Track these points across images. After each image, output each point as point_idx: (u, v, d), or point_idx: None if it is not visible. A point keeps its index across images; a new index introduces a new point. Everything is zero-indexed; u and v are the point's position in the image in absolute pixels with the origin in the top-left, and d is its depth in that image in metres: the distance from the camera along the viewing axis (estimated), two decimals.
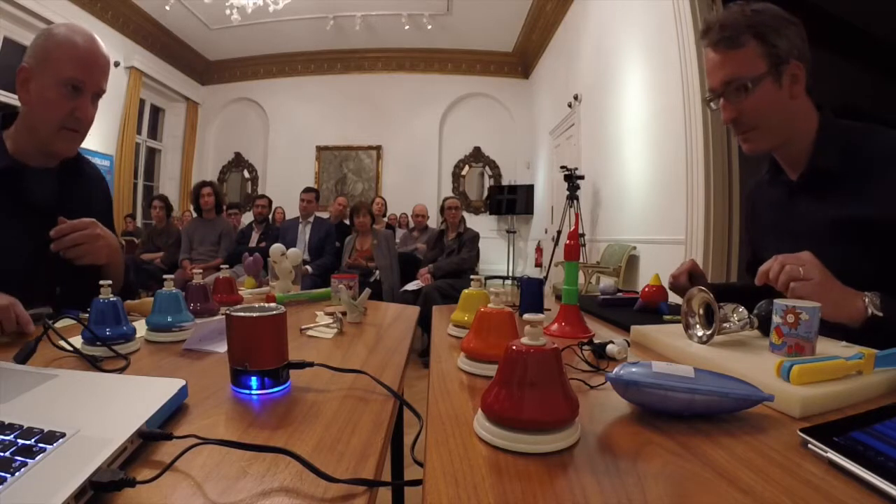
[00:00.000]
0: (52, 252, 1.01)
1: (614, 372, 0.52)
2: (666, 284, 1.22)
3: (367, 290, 1.11)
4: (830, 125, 0.94)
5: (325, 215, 4.62)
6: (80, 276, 1.07)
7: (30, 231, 1.02)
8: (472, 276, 1.00)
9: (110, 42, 5.98)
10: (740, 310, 0.82)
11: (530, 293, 1.07)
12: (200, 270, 1.14)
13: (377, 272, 3.72)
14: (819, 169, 0.93)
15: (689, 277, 1.10)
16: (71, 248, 0.98)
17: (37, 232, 1.02)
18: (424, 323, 2.06)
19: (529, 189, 7.12)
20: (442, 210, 3.85)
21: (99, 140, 5.98)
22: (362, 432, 0.48)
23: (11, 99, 4.67)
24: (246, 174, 8.29)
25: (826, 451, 0.41)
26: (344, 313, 1.06)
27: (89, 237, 1.00)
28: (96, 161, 5.88)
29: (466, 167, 7.99)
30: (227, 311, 0.58)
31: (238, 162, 8.29)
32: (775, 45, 0.88)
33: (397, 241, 4.73)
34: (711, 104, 0.98)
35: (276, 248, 1.54)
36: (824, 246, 0.88)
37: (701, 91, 2.76)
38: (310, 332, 0.94)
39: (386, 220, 5.84)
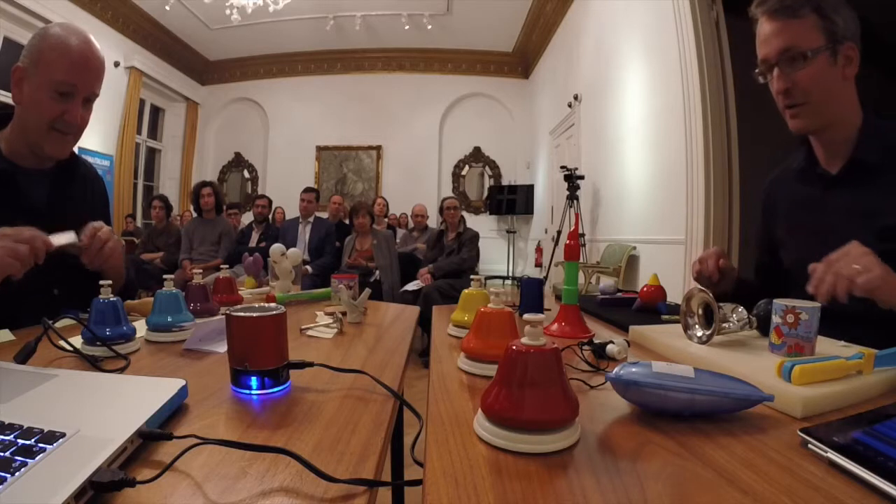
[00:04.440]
0: (48, 255, 1.01)
1: (614, 372, 0.52)
2: (665, 285, 1.22)
3: (367, 290, 1.11)
4: (874, 121, 0.93)
5: (324, 215, 4.62)
6: (76, 279, 1.07)
7: None
8: (472, 276, 1.00)
9: (110, 42, 6.01)
10: (739, 310, 0.82)
11: (530, 293, 1.07)
12: (200, 270, 1.14)
13: (377, 272, 3.72)
14: (861, 163, 0.91)
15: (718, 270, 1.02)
16: (100, 254, 0.98)
17: None
18: (424, 323, 2.06)
19: (529, 189, 7.12)
20: (441, 210, 3.84)
21: (99, 140, 5.98)
22: (362, 432, 0.48)
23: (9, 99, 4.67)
24: (246, 174, 8.29)
25: (826, 451, 0.41)
26: (344, 313, 1.06)
27: (109, 235, 1.00)
28: (96, 161, 5.91)
29: (466, 167, 7.99)
30: (227, 311, 0.58)
31: (238, 162, 8.28)
32: (834, 22, 0.87)
33: (397, 241, 4.73)
34: (760, 77, 0.95)
35: (276, 248, 1.54)
36: (860, 240, 0.84)
37: (701, 90, 2.76)
38: (310, 332, 0.94)
39: (387, 220, 5.82)
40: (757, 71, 0.96)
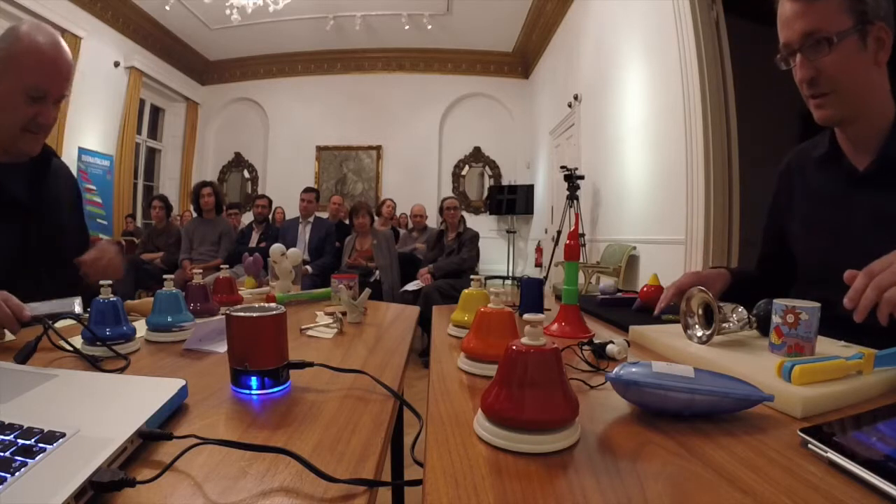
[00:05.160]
0: (32, 246, 1.06)
1: (614, 372, 0.52)
2: (665, 285, 1.22)
3: (367, 290, 1.11)
4: None
5: (325, 215, 4.62)
6: (60, 270, 1.11)
7: (7, 226, 1.05)
8: (472, 276, 1.00)
9: (110, 42, 6.01)
10: (739, 310, 0.82)
11: (530, 293, 1.07)
12: (200, 270, 1.14)
13: (377, 272, 3.72)
14: (893, 160, 0.83)
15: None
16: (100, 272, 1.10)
17: (13, 226, 1.05)
18: (424, 323, 2.06)
19: (529, 189, 7.12)
20: (441, 210, 3.85)
21: (99, 140, 5.98)
22: (362, 432, 0.48)
23: None
24: (246, 174, 8.29)
25: (826, 451, 0.41)
26: (344, 313, 1.06)
27: (113, 261, 1.14)
28: (96, 161, 5.91)
29: (466, 167, 7.99)
30: (227, 311, 0.58)
31: (238, 162, 8.28)
32: (862, 1, 0.79)
33: (397, 241, 4.73)
34: (782, 63, 0.87)
35: (276, 248, 1.54)
36: (886, 245, 0.74)
37: (701, 90, 2.76)
38: (310, 332, 0.94)
39: (392, 222, 5.78)
40: (778, 56, 0.88)
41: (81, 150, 5.68)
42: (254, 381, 0.57)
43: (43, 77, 1.01)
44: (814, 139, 1.01)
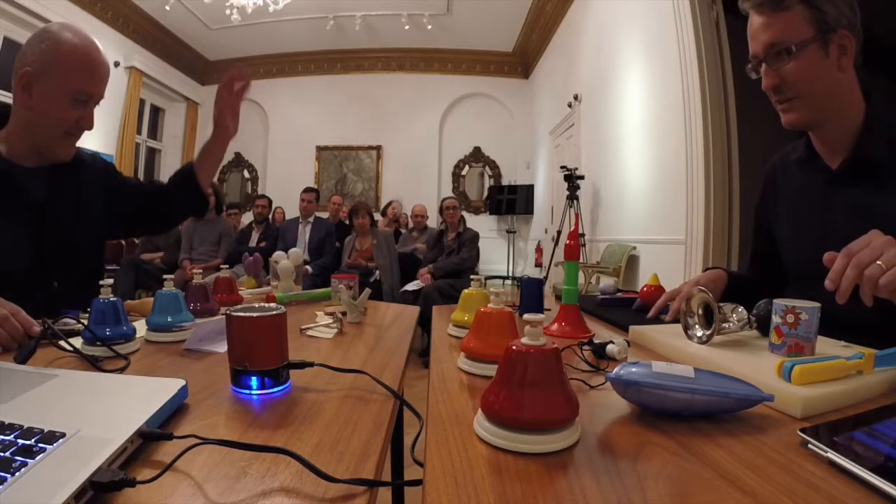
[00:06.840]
0: (48, 250, 1.05)
1: (614, 372, 0.52)
2: (665, 285, 1.22)
3: (367, 290, 1.11)
4: (879, 113, 0.88)
5: (325, 215, 4.63)
6: (75, 274, 1.10)
7: (26, 230, 1.05)
8: (472, 276, 1.00)
9: (110, 42, 6.00)
10: (739, 310, 0.82)
11: (530, 293, 1.07)
12: (200, 270, 1.14)
13: (377, 272, 3.72)
14: (865, 158, 0.86)
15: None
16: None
17: (32, 230, 1.05)
18: (424, 323, 2.06)
19: (529, 189, 7.12)
20: (441, 210, 3.85)
21: (99, 140, 5.97)
22: (362, 432, 0.48)
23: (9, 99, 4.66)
24: (246, 174, 8.28)
25: (826, 451, 0.41)
26: (344, 313, 1.06)
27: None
28: None
29: (466, 167, 7.98)
30: (227, 311, 0.58)
31: (238, 162, 8.28)
32: (823, 11, 0.83)
33: (398, 241, 4.73)
34: (752, 73, 0.93)
35: (278, 254, 1.55)
36: None
37: (701, 90, 2.76)
38: (310, 332, 0.94)
39: (396, 224, 5.77)
40: (748, 66, 0.93)
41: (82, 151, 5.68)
42: (254, 381, 0.57)
43: (88, 82, 1.02)
44: (795, 143, 1.04)
